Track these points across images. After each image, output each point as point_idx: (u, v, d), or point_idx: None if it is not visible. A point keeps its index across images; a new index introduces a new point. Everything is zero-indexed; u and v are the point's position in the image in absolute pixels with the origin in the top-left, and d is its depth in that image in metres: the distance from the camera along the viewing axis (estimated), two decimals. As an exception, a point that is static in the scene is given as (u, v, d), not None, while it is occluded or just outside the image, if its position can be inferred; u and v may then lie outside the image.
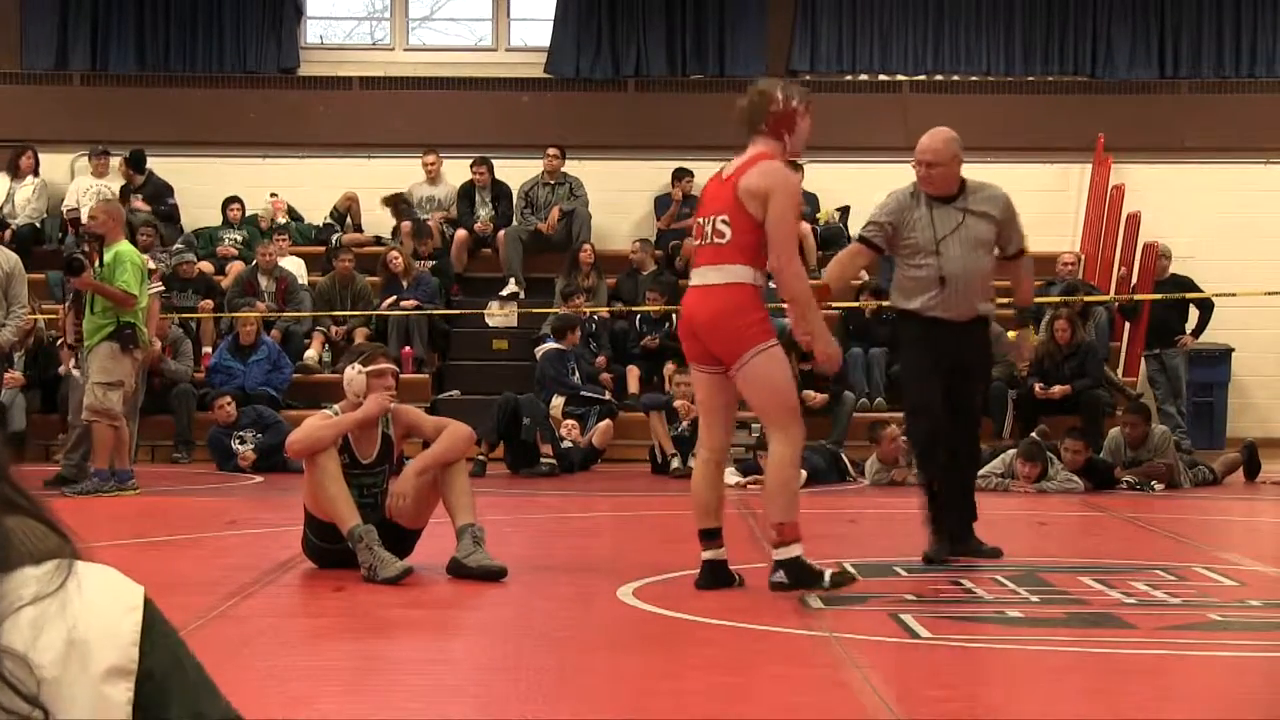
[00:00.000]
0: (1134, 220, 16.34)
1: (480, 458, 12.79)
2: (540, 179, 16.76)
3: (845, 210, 16.70)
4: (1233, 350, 15.97)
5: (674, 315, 15.36)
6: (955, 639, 5.58)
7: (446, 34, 18.34)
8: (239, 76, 17.32)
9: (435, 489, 7.00)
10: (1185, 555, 8.13)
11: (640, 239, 16.33)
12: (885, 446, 12.53)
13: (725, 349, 6.42)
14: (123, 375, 10.80)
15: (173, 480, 12.48)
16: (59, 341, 14.10)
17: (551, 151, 16.63)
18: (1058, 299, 14.73)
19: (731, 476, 12.29)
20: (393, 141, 17.10)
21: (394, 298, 15.52)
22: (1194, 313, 15.50)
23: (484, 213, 16.76)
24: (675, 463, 13.17)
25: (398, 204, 16.62)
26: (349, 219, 17.07)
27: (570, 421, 13.77)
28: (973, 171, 7.70)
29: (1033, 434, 12.87)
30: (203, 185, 17.04)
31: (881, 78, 17.37)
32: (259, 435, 13.44)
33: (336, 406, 7.21)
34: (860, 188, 15.75)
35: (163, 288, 12.82)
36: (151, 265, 11.94)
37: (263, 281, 15.68)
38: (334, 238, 16.66)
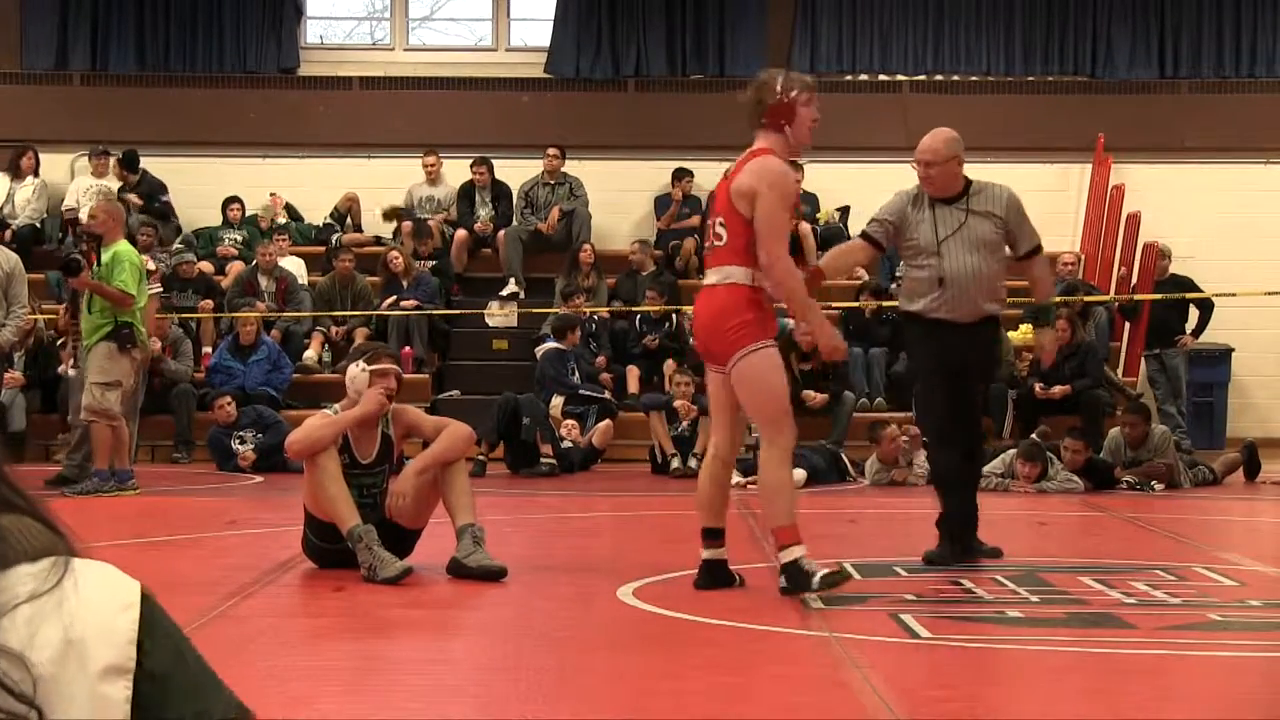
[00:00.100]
0: (1134, 220, 16.34)
1: (480, 458, 12.79)
2: (540, 179, 16.76)
3: (845, 210, 16.70)
4: (1233, 350, 15.97)
5: (674, 315, 15.39)
6: (955, 639, 5.58)
7: (446, 34, 18.34)
8: (239, 76, 17.32)
9: (435, 489, 7.00)
10: (1185, 555, 8.13)
11: (639, 240, 16.33)
12: (885, 446, 12.53)
13: (721, 349, 6.46)
14: (120, 375, 10.80)
15: (173, 480, 12.48)
16: (59, 341, 14.12)
17: (551, 151, 16.63)
18: (1058, 299, 14.72)
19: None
20: (393, 141, 17.10)
21: (394, 298, 15.52)
22: (1194, 313, 15.50)
23: (484, 213, 16.76)
24: (675, 463, 13.17)
25: (398, 217, 16.61)
26: (349, 219, 17.07)
27: (570, 421, 13.77)
28: (973, 172, 7.69)
29: (1033, 434, 12.88)
30: (203, 185, 17.04)
31: (881, 78, 17.37)
32: (259, 435, 13.44)
33: (336, 406, 7.22)
34: (860, 188, 15.76)
35: (160, 289, 12.81)
36: (151, 266, 11.93)
37: (263, 281, 15.68)
38: (334, 238, 16.66)
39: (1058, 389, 13.71)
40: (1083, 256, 16.34)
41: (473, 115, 17.11)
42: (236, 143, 17.12)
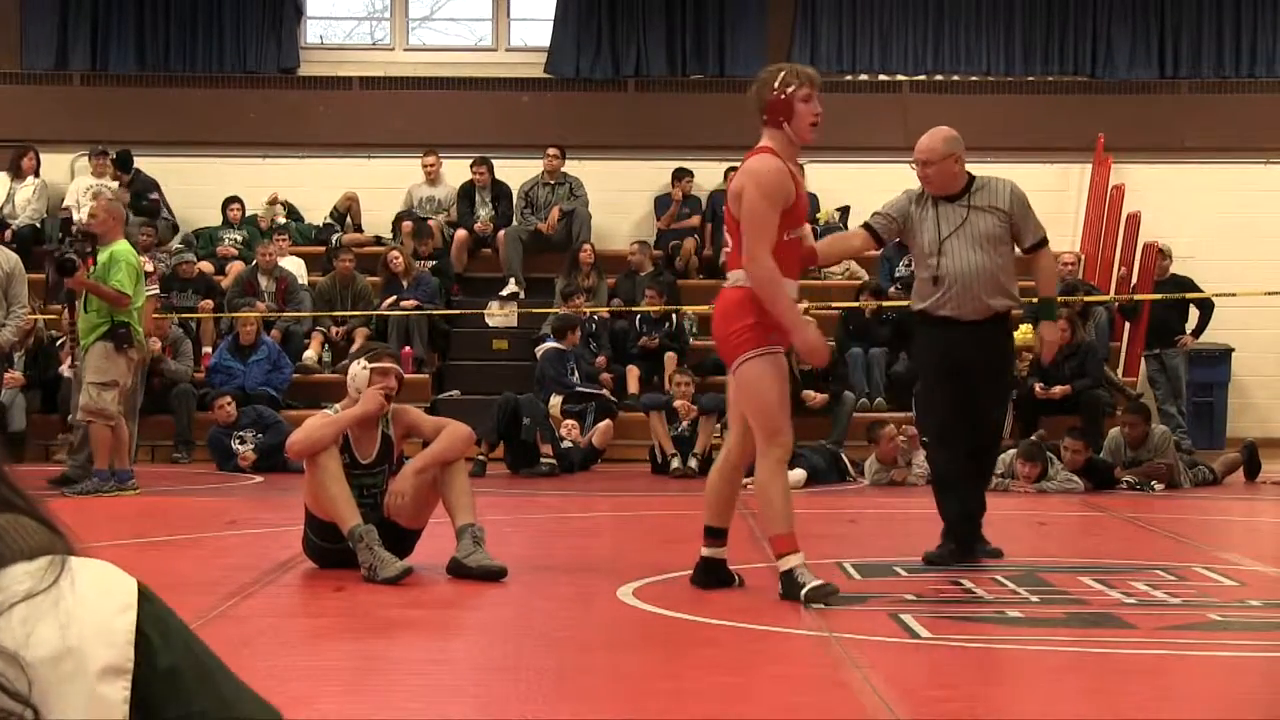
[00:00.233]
0: (1134, 220, 16.34)
1: (480, 458, 12.80)
2: (540, 179, 16.76)
3: (845, 210, 16.70)
4: (1233, 350, 15.97)
5: (674, 315, 15.39)
6: (955, 639, 5.58)
7: (446, 34, 18.34)
8: (239, 76, 17.32)
9: (435, 489, 7.01)
10: (1185, 555, 8.13)
11: (638, 241, 16.33)
12: (884, 446, 12.53)
13: (725, 353, 6.47)
14: (117, 375, 10.79)
15: (173, 480, 12.48)
16: (59, 342, 14.12)
17: (551, 151, 16.63)
18: (1059, 298, 14.72)
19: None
20: (393, 141, 17.10)
21: (394, 298, 15.52)
22: (1194, 313, 15.50)
23: (484, 213, 16.76)
24: (675, 463, 13.17)
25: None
26: (349, 219, 17.08)
27: (570, 421, 13.77)
28: (972, 171, 7.68)
29: (1033, 435, 12.88)
30: (203, 185, 17.04)
31: (881, 78, 17.37)
32: (259, 435, 13.44)
33: (336, 406, 7.22)
34: (860, 188, 15.76)
35: (157, 290, 12.80)
36: (149, 267, 11.92)
37: (263, 281, 15.68)
38: (334, 238, 16.67)
39: (1058, 389, 13.71)
40: (1083, 256, 16.33)
41: (473, 115, 17.11)
42: (236, 143, 17.12)
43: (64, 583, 1.32)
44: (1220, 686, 5.02)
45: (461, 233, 16.63)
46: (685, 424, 13.37)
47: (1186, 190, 16.86)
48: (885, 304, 15.18)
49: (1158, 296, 15.24)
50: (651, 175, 17.12)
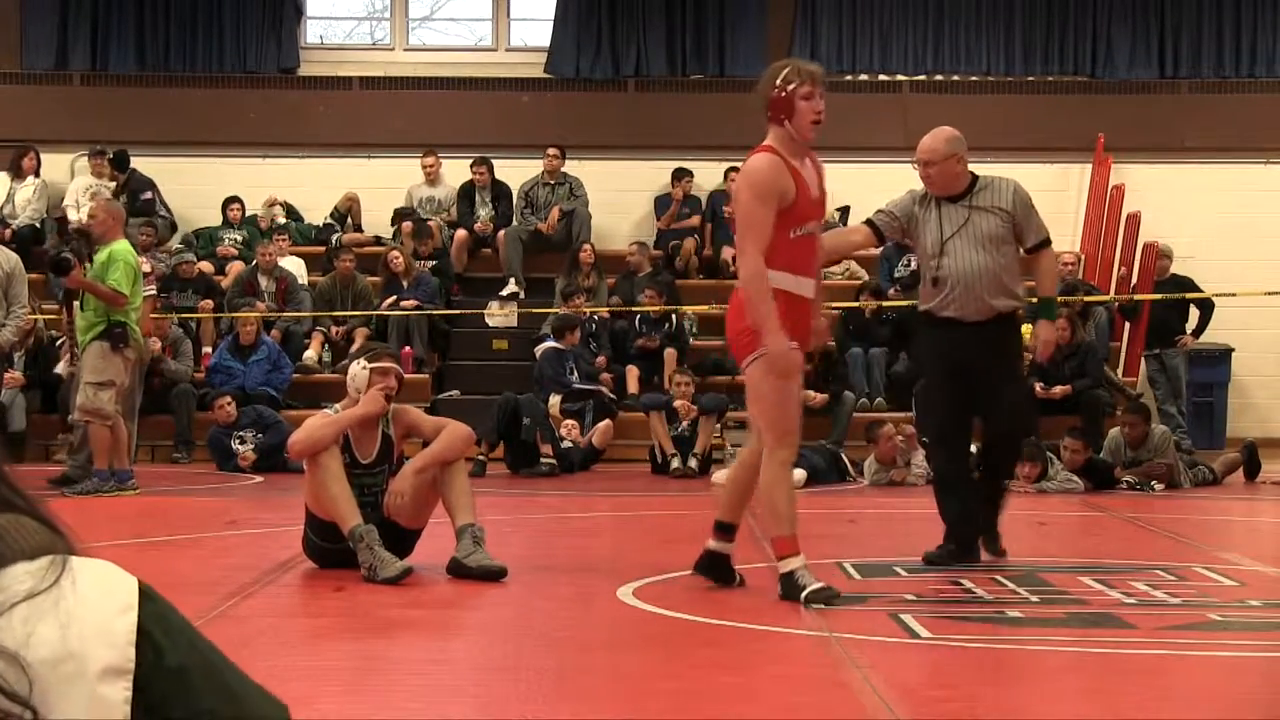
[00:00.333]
0: (1134, 220, 16.34)
1: (480, 458, 12.80)
2: (540, 179, 16.76)
3: (845, 210, 16.69)
4: (1233, 350, 15.96)
5: (673, 315, 15.39)
6: (955, 639, 5.58)
7: (446, 34, 18.34)
8: (239, 76, 17.32)
9: (435, 489, 7.01)
10: (1185, 555, 8.12)
11: (637, 241, 16.33)
12: (882, 446, 12.54)
13: (735, 353, 6.47)
14: (114, 375, 10.79)
15: (173, 480, 12.48)
16: (59, 342, 14.12)
17: (551, 151, 16.63)
18: (1059, 298, 14.73)
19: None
20: (393, 141, 17.10)
21: (394, 298, 15.52)
22: (1194, 313, 15.50)
23: (484, 213, 16.76)
24: (675, 463, 13.17)
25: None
26: (349, 219, 17.08)
27: (570, 421, 13.77)
28: (976, 171, 7.67)
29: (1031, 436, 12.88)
30: (203, 185, 17.05)
31: (881, 78, 17.37)
32: (259, 435, 13.44)
33: (337, 406, 7.23)
34: (860, 188, 15.74)
35: (154, 291, 12.80)
36: (146, 268, 11.91)
37: (263, 281, 15.68)
38: (334, 238, 16.67)
39: (1058, 389, 13.71)
40: (1083, 256, 16.34)
41: (473, 115, 17.11)
42: (236, 143, 17.12)
43: (65, 582, 1.32)
44: (1220, 686, 5.02)
45: (461, 233, 16.63)
46: (685, 424, 13.37)
47: (1186, 190, 16.86)
48: (885, 304, 15.18)
49: (1158, 296, 15.24)
50: (651, 175, 17.12)
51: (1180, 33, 17.24)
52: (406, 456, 7.34)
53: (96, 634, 1.31)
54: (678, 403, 13.43)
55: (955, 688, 4.87)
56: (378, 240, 16.79)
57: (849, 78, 17.20)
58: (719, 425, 13.77)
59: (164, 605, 1.36)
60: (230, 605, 6.17)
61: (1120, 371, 15.55)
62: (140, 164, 16.70)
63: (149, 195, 16.62)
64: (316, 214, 17.23)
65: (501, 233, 16.48)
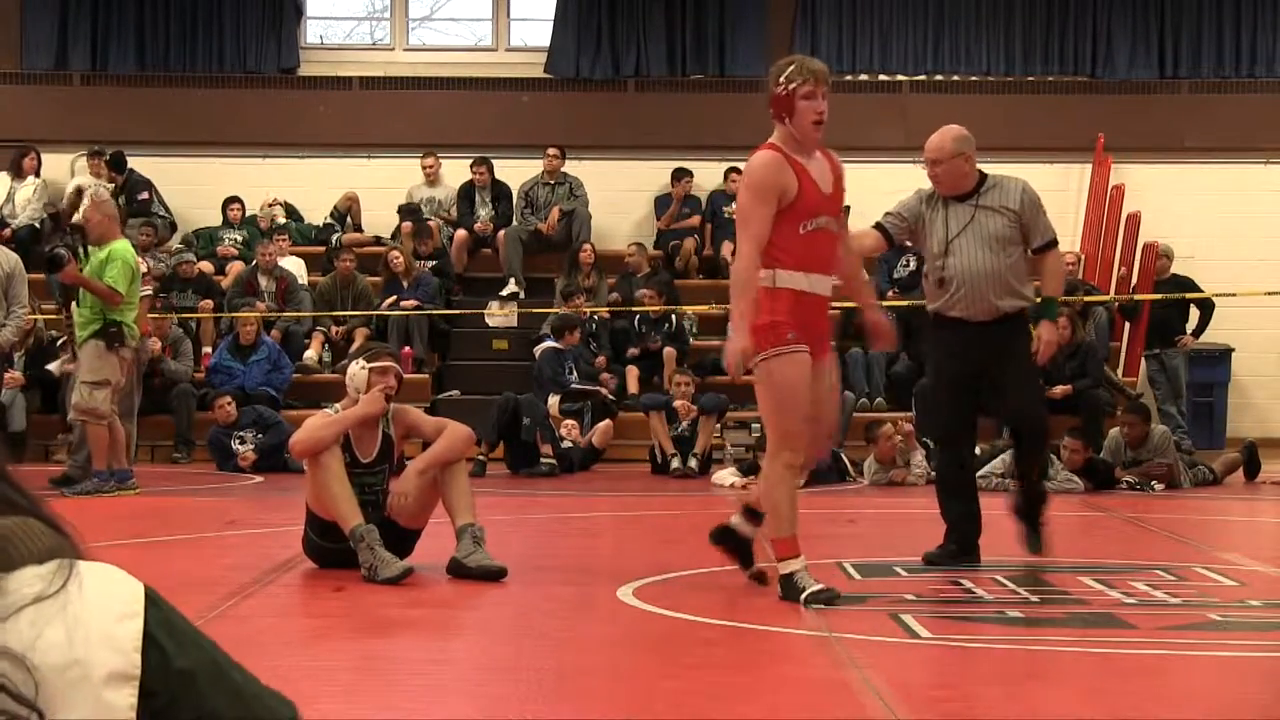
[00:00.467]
0: (1134, 220, 16.34)
1: (480, 458, 12.80)
2: (540, 179, 16.76)
3: (846, 210, 16.66)
4: (1233, 350, 15.96)
5: (673, 315, 15.39)
6: (955, 639, 5.58)
7: (446, 34, 18.34)
8: (239, 76, 17.32)
9: (435, 489, 7.01)
10: (1185, 555, 8.13)
11: (636, 242, 16.33)
12: (881, 446, 12.54)
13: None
14: (109, 374, 10.78)
15: (173, 480, 12.48)
16: (59, 341, 14.11)
17: (551, 151, 16.64)
18: (1060, 298, 14.71)
19: (730, 476, 12.30)
20: (393, 141, 17.10)
21: (394, 298, 15.53)
22: (1194, 313, 15.50)
23: (484, 213, 16.76)
24: (675, 463, 13.17)
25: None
26: (349, 219, 17.08)
27: (570, 421, 13.77)
28: (984, 170, 7.65)
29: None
30: (202, 185, 17.04)
31: (881, 78, 17.36)
32: (259, 435, 13.45)
33: (337, 406, 7.23)
34: (860, 188, 15.65)
35: (150, 291, 12.80)
36: (143, 267, 11.90)
37: (263, 281, 15.68)
38: (334, 238, 16.67)
39: (1058, 389, 13.70)
40: (1083, 256, 16.33)
41: (473, 115, 17.11)
42: (236, 143, 17.12)
43: (72, 587, 1.32)
44: (1220, 686, 5.02)
45: (461, 233, 16.63)
46: (685, 424, 13.37)
47: (1186, 190, 16.85)
48: (884, 304, 15.15)
49: (1158, 296, 15.24)
50: (651, 175, 17.11)
51: (1180, 33, 17.24)
52: (407, 456, 7.34)
53: (102, 640, 1.31)
54: (678, 403, 13.43)
55: (955, 688, 4.87)
56: (378, 240, 16.79)
57: (849, 78, 17.18)
58: (719, 425, 13.78)
59: (169, 610, 1.37)
60: (230, 605, 6.17)
61: (1120, 371, 15.55)
62: (140, 164, 16.69)
63: (146, 195, 16.62)
64: (316, 214, 17.23)
65: (501, 233, 16.48)
